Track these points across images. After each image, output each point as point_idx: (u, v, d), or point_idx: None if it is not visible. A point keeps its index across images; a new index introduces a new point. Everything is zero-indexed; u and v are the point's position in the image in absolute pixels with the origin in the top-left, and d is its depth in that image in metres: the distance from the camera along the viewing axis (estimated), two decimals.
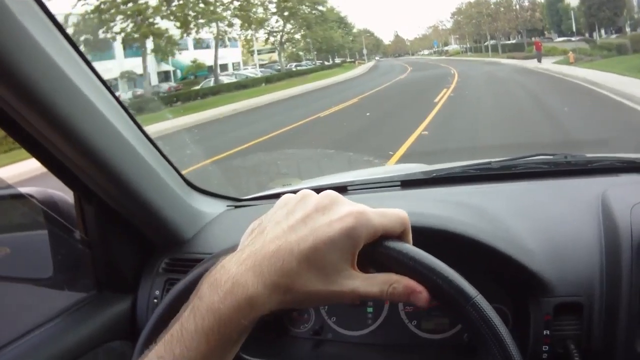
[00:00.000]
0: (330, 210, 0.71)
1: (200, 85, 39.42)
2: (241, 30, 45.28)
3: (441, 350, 1.35)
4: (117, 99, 1.28)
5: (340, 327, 1.40)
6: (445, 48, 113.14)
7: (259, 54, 74.06)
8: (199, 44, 46.83)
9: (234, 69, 60.35)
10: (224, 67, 57.15)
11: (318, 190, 0.78)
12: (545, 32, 67.25)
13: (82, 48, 1.17)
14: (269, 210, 0.77)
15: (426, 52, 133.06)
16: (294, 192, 0.77)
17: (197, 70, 49.32)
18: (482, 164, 1.77)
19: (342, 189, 1.75)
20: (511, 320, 1.28)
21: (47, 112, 1.08)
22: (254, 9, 45.65)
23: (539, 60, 36.06)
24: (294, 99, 27.53)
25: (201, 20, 36.96)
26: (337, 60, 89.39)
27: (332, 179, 2.19)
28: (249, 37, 49.33)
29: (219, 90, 35.14)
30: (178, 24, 34.87)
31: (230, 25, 42.08)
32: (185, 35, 36.93)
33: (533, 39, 66.14)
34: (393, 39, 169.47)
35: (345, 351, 1.40)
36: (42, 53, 1.04)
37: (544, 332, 1.16)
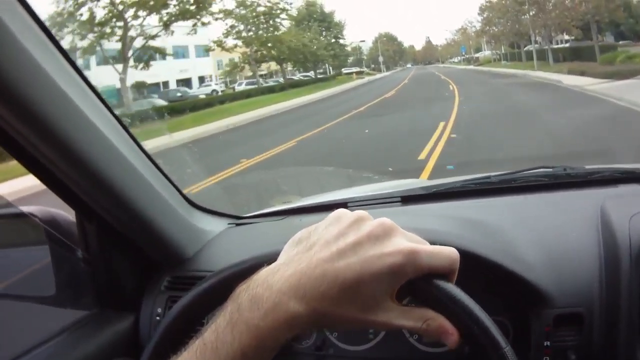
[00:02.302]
0: (382, 241, 0.70)
1: None
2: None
3: None
4: (116, 117, 1.29)
5: (342, 343, 1.40)
6: (476, 55, 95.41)
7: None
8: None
9: (200, 85, 53.06)
10: (186, 82, 50.57)
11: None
12: (599, 35, 42.02)
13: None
14: (319, 222, 0.76)
15: (456, 59, 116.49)
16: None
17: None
18: (481, 178, 1.77)
19: (342, 205, 1.75)
20: (512, 332, 1.28)
21: (46, 132, 1.09)
22: None
23: None
24: None
25: None
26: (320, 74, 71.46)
27: (332, 195, 2.19)
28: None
29: None
30: None
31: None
32: None
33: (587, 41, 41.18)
34: (424, 45, 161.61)
35: None
36: (42, 72, 1.04)
37: (545, 343, 1.16)
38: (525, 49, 53.36)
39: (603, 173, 1.67)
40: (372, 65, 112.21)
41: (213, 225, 1.72)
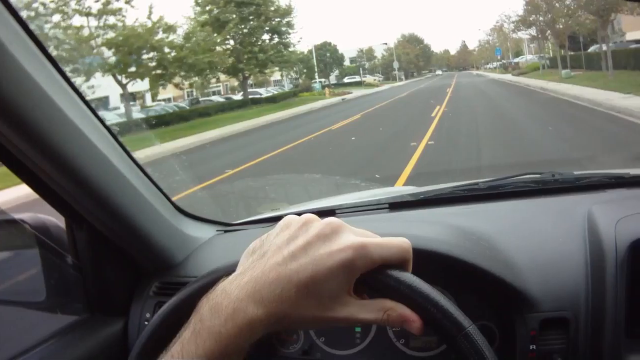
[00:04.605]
0: (331, 239, 0.72)
1: None
2: None
3: None
4: (105, 125, 1.30)
5: (329, 347, 1.41)
6: (515, 60, 72.87)
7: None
8: None
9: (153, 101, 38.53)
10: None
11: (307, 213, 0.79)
12: None
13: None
14: (270, 230, 0.78)
15: (492, 65, 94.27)
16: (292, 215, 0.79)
17: None
18: (469, 185, 1.79)
19: (330, 212, 1.76)
20: (498, 336, 1.30)
21: (35, 139, 1.10)
22: None
23: None
24: None
25: None
26: (270, 90, 52.55)
27: (320, 203, 2.20)
28: None
29: None
30: None
31: None
32: None
33: None
34: (459, 50, 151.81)
35: None
36: (31, 80, 1.05)
37: (530, 347, 1.18)
38: (591, 48, 34.42)
39: (591, 178, 1.69)
40: (394, 72, 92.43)
41: (201, 232, 1.73)
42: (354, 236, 0.73)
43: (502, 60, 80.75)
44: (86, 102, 1.24)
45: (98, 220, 1.36)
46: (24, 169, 1.19)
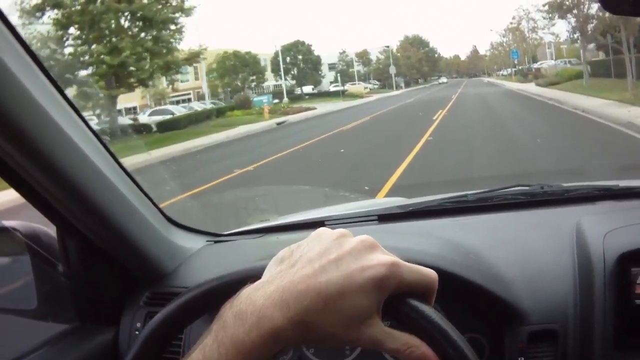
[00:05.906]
0: (364, 256, 0.71)
1: None
2: None
3: None
4: (95, 134, 1.30)
5: (319, 359, 1.41)
6: (534, 65, 63.31)
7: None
8: None
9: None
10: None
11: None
12: None
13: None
14: (302, 241, 0.77)
15: (506, 71, 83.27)
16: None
17: None
18: (458, 197, 1.79)
19: (320, 223, 1.76)
20: (487, 348, 1.31)
21: (27, 148, 1.10)
22: None
23: None
24: None
25: None
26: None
27: (309, 214, 2.20)
28: None
29: None
30: None
31: None
32: None
33: None
34: (469, 55, 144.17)
35: None
36: (22, 88, 1.05)
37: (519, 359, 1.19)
38: None
39: (580, 190, 1.70)
40: (396, 78, 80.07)
41: (192, 243, 1.73)
42: (386, 255, 0.73)
43: (519, 66, 69.65)
44: (77, 111, 1.24)
45: (89, 228, 1.36)
46: (15, 177, 1.19)
